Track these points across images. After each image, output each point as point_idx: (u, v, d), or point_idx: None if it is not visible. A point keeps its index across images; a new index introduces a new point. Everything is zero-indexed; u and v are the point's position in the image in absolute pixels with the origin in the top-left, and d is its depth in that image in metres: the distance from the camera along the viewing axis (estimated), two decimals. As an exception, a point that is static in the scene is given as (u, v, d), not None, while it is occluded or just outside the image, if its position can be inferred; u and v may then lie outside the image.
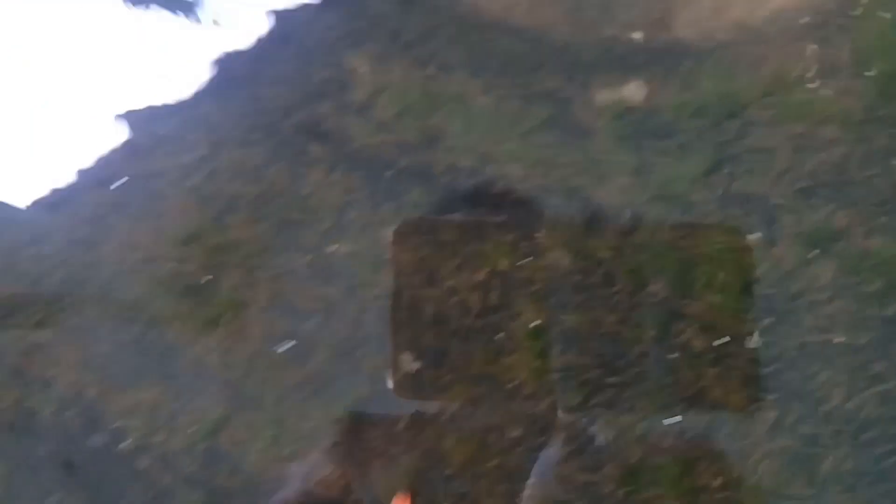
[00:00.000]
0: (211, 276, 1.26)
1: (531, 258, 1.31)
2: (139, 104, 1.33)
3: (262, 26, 1.42)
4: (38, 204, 1.28)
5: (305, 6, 1.46)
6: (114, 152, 1.32)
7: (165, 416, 1.21)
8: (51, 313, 1.21)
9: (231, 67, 1.41)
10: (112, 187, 1.30)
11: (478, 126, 1.45)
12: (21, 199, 1.28)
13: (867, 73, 1.44)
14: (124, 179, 1.28)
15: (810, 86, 1.45)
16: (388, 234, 1.33)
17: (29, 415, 1.22)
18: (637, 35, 1.53)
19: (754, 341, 1.27)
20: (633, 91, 1.50)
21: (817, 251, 1.31)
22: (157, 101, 1.32)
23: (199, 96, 1.36)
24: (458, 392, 1.26)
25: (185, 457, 1.20)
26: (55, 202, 1.32)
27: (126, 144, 1.33)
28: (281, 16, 1.44)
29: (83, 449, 1.22)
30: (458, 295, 1.31)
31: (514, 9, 1.57)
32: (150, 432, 1.21)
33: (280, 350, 1.22)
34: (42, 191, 1.27)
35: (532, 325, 1.27)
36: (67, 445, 1.21)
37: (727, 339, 1.26)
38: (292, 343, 1.22)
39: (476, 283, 1.31)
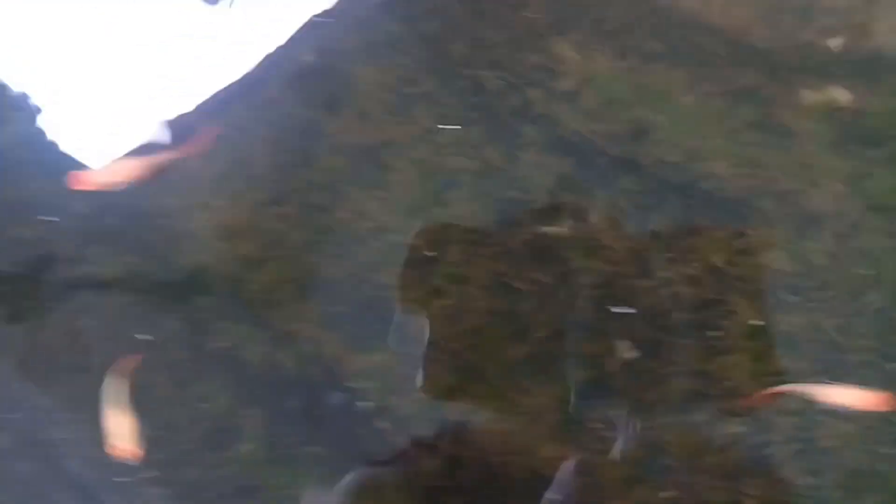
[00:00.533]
0: (435, 253, 1.26)
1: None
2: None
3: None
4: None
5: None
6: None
7: (398, 381, 1.21)
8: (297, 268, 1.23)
9: (448, 48, 1.41)
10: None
11: (683, 122, 1.42)
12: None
13: None
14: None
15: None
16: (600, 219, 1.31)
17: (276, 367, 1.23)
18: (836, 42, 1.48)
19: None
20: (839, 94, 1.46)
21: None
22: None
23: (423, 75, 1.37)
24: (675, 386, 1.23)
25: (418, 421, 1.20)
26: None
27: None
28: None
29: (325, 405, 1.23)
30: (673, 287, 1.28)
31: (710, 6, 1.53)
32: (385, 394, 1.21)
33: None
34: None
35: (750, 322, 1.23)
36: (311, 400, 1.21)
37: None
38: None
39: (690, 276, 1.28)
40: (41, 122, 1.40)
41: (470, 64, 1.36)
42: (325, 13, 1.35)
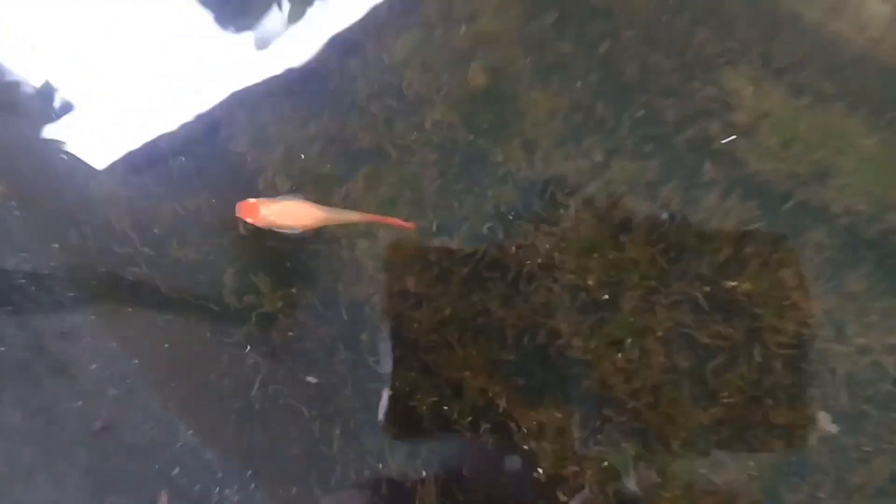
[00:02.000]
0: (608, 296, 1.10)
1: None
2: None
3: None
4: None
5: (677, 17, 1.30)
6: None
7: (572, 444, 1.05)
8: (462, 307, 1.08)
9: (621, 72, 1.25)
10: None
11: (868, 167, 1.24)
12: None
13: None
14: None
15: None
16: (790, 276, 1.13)
17: (445, 421, 1.08)
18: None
19: None
20: None
21: None
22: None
23: (596, 101, 1.21)
24: (881, 466, 1.05)
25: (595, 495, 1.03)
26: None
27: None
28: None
29: (500, 469, 1.07)
30: (872, 356, 1.10)
31: (880, 45, 1.35)
32: (562, 460, 1.05)
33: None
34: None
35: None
36: (485, 463, 1.06)
37: None
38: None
39: (892, 345, 1.10)
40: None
41: (645, 89, 1.19)
42: (492, 32, 1.20)
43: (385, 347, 1.07)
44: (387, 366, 1.07)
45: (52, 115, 1.24)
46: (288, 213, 0.98)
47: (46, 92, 1.25)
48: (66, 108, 1.24)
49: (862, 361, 1.07)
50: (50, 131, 1.25)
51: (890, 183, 1.22)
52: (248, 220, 1.00)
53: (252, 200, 0.97)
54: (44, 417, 1.18)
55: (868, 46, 1.38)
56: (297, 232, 1.01)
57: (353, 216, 1.00)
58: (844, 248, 1.15)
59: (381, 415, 1.05)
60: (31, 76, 1.28)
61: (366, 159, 1.16)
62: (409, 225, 1.07)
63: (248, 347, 1.10)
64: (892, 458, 1.03)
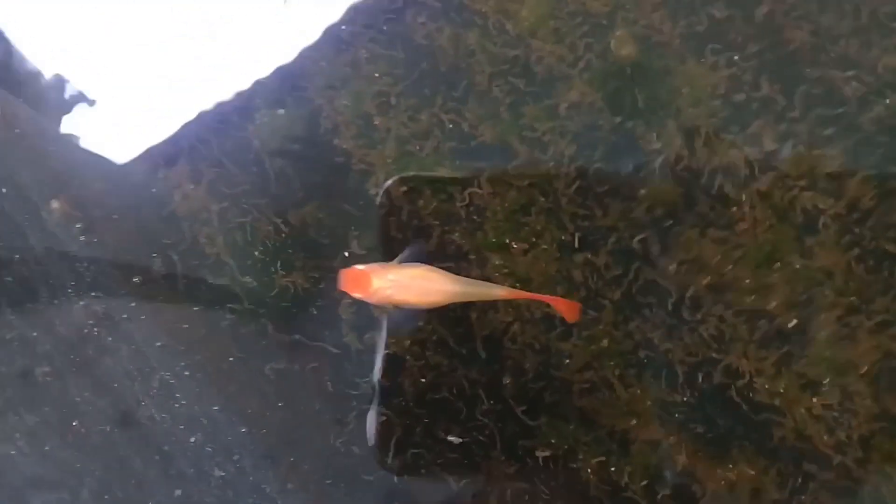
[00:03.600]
0: (797, 320, 0.84)
1: None
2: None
3: None
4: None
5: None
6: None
7: None
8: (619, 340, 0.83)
9: (786, 40, 0.97)
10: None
11: None
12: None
13: None
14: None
15: None
16: None
17: (612, 487, 0.84)
18: None
19: None
20: None
21: None
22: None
23: (760, 75, 0.93)
24: None
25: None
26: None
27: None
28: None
29: None
30: None
31: None
32: None
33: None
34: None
35: None
36: None
37: None
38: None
39: None
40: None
41: (816, 61, 0.91)
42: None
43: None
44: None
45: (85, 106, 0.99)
46: (411, 287, 0.70)
47: (73, 91, 1.01)
48: (90, 102, 1.00)
49: None
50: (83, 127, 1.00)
51: None
52: (356, 294, 0.72)
53: (360, 268, 0.70)
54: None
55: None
56: (419, 309, 0.73)
57: (499, 292, 0.72)
58: None
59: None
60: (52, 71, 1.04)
61: (489, 156, 0.90)
62: (572, 305, 0.79)
63: (377, 403, 0.85)
64: None
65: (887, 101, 0.98)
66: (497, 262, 0.88)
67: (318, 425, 0.89)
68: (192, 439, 0.91)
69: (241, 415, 0.91)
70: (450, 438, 0.86)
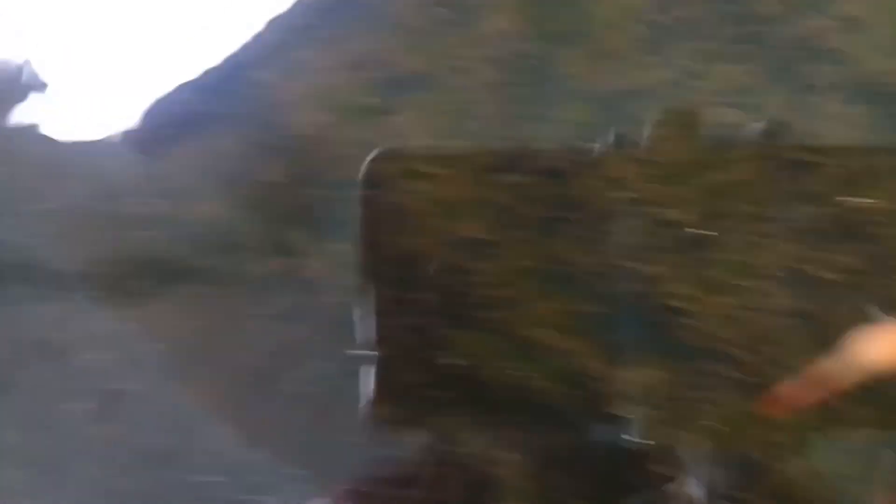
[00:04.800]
0: (712, 229, 0.84)
1: None
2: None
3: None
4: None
5: None
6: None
7: (681, 408, 0.80)
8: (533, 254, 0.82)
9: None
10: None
11: None
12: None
13: None
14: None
15: None
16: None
17: (521, 389, 0.84)
18: None
19: None
20: None
21: None
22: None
23: None
24: None
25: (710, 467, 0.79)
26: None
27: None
28: None
29: (588, 442, 0.83)
30: None
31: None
32: (662, 427, 0.81)
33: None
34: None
35: None
36: (572, 437, 0.82)
37: None
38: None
39: None
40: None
41: None
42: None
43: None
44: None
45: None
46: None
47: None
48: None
49: None
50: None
51: None
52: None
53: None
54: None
55: None
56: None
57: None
58: None
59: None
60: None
61: (415, 86, 0.88)
62: None
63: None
64: None
65: (810, 21, 0.96)
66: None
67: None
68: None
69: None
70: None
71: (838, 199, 0.80)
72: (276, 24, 0.94)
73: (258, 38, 0.94)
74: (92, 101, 1.03)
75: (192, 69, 1.01)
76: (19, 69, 1.03)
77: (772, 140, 0.82)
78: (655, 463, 0.75)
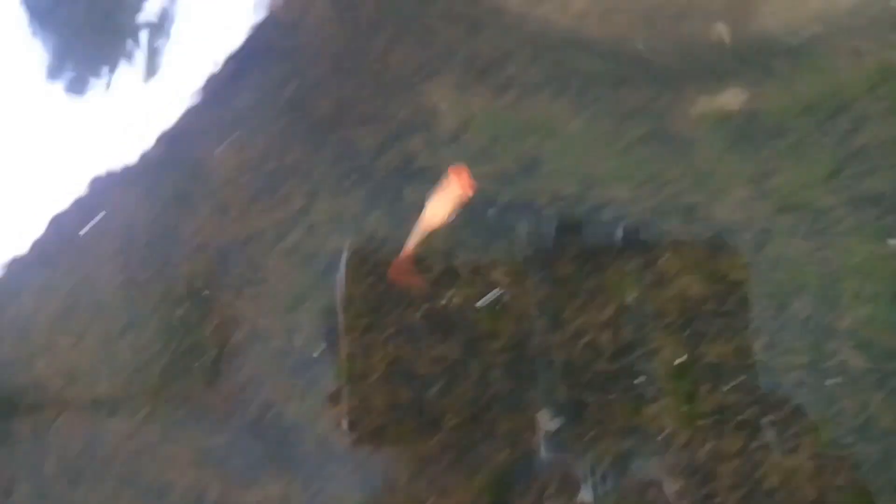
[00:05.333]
0: (324, 347, 0.99)
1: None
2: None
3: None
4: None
5: (372, 40, 1.18)
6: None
7: None
8: (155, 405, 0.94)
9: (311, 110, 1.12)
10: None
11: (574, 149, 1.16)
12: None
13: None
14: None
15: (920, 73, 1.15)
16: (501, 275, 1.05)
17: None
18: (721, 31, 1.23)
19: (916, 355, 0.99)
20: (731, 96, 1.21)
21: (967, 248, 1.01)
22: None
23: (288, 146, 1.08)
24: (606, 448, 0.98)
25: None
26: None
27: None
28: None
29: None
30: (588, 336, 1.02)
31: (586, 20, 1.27)
32: None
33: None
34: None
35: (677, 362, 0.98)
36: None
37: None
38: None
39: (604, 321, 1.03)
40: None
41: (339, 124, 1.07)
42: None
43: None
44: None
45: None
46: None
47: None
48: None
49: (578, 346, 1.00)
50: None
51: (595, 159, 1.14)
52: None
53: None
54: None
55: (573, 25, 1.29)
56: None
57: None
58: (552, 235, 1.07)
59: None
60: None
61: None
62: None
63: None
64: (613, 441, 0.96)
65: (408, 146, 1.15)
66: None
67: None
68: None
69: None
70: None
71: (434, 297, 0.98)
72: None
73: None
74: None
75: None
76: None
77: (378, 255, 0.99)
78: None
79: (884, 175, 1.13)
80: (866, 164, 1.14)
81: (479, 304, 0.95)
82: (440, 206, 0.96)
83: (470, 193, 0.95)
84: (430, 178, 1.13)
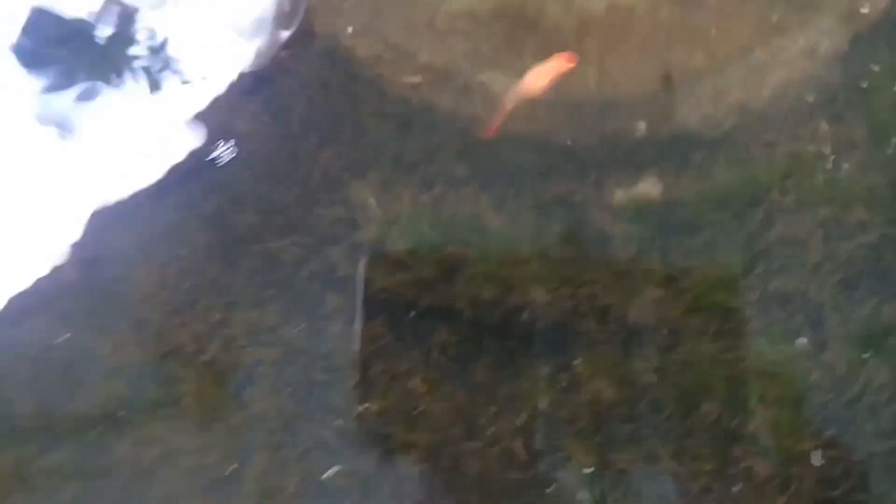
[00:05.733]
0: (236, 465, 1.00)
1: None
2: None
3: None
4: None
5: (302, 143, 1.21)
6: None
7: None
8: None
9: (233, 222, 1.15)
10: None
11: (495, 248, 1.19)
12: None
13: (887, 149, 1.19)
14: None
15: (829, 165, 1.19)
16: (418, 383, 1.07)
17: None
18: (641, 127, 1.27)
19: (818, 459, 1.01)
20: (649, 187, 1.24)
21: (870, 352, 1.04)
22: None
23: (207, 261, 1.10)
24: None
25: None
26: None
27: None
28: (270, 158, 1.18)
29: None
30: (501, 444, 1.04)
31: (513, 116, 1.30)
32: None
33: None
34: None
35: (586, 471, 1.00)
36: None
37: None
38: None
39: (517, 428, 1.05)
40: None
41: (262, 236, 1.09)
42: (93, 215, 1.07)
43: None
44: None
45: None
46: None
47: None
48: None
49: (492, 453, 1.01)
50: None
51: (514, 261, 1.17)
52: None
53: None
54: None
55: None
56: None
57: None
58: (469, 342, 1.09)
59: None
60: None
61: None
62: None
63: None
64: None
65: (329, 254, 1.17)
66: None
67: None
68: None
69: None
70: None
71: (352, 407, 0.98)
72: None
73: None
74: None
75: None
76: None
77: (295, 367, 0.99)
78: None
79: (792, 274, 1.16)
80: (776, 263, 1.18)
81: (323, 477, 0.97)
82: (542, 75, 1.05)
83: (573, 66, 1.05)
84: (351, 287, 1.16)
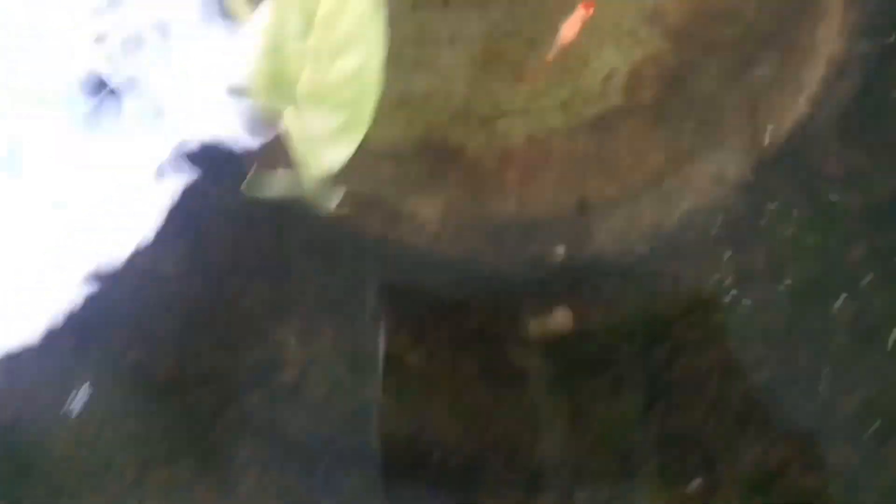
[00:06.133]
0: None
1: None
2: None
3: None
4: None
5: (225, 284, 1.23)
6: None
7: None
8: None
9: (157, 372, 1.17)
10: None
11: (410, 389, 1.23)
12: None
13: (779, 286, 1.25)
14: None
15: (728, 299, 1.25)
16: (327, 539, 1.10)
17: None
18: (559, 252, 1.32)
19: None
20: (561, 320, 1.29)
21: (758, 498, 1.10)
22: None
23: (125, 421, 1.13)
24: None
25: None
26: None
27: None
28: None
29: None
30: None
31: (440, 240, 1.34)
32: None
33: None
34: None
35: None
36: None
37: None
38: None
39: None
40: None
41: (179, 387, 1.12)
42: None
43: None
44: None
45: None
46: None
47: None
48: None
49: None
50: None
51: (430, 401, 1.21)
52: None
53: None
54: None
55: (428, 244, 1.35)
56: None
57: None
58: (379, 490, 1.13)
59: None
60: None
61: None
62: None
63: None
64: None
65: (247, 402, 1.19)
66: None
67: None
68: None
69: None
70: None
71: None
72: None
73: None
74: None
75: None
76: None
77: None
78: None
79: (688, 412, 1.21)
80: (675, 400, 1.23)
81: None
82: (572, 25, 1.21)
83: (591, 12, 1.19)
84: (267, 436, 1.19)
